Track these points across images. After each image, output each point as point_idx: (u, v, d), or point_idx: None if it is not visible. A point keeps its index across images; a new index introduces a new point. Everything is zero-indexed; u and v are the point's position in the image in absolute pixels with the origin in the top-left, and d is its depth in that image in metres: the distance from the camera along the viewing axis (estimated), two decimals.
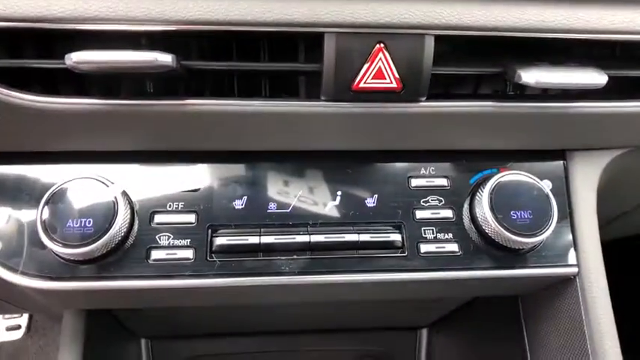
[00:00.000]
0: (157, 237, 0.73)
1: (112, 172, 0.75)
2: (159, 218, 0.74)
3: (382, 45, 0.65)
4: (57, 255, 0.70)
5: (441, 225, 0.77)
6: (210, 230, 0.74)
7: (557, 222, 0.74)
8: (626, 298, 0.94)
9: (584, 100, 0.75)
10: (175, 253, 0.72)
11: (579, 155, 0.83)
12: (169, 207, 0.74)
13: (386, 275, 0.74)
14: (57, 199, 0.69)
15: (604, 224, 0.83)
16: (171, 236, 0.73)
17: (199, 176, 0.77)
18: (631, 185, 0.98)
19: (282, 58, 0.70)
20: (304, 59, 0.71)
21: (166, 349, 1.31)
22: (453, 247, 0.76)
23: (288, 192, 0.77)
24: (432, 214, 0.77)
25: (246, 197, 0.76)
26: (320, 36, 0.64)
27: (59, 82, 0.71)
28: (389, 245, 0.75)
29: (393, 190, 0.78)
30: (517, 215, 0.73)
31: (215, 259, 0.72)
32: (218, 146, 0.76)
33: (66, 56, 0.62)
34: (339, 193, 0.78)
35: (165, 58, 0.63)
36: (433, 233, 0.76)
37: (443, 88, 0.78)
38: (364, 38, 0.64)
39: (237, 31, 0.63)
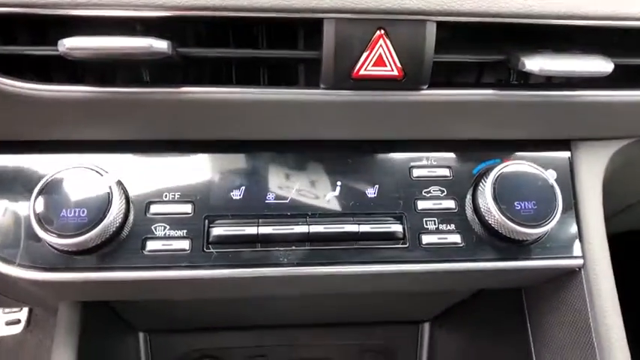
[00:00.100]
0: (152, 227, 0.72)
1: (108, 162, 0.74)
2: (155, 208, 0.73)
3: (383, 31, 0.64)
4: (51, 246, 0.69)
5: (443, 216, 0.76)
6: (207, 221, 0.73)
7: (562, 213, 0.73)
8: (632, 291, 0.93)
9: (590, 88, 0.74)
10: (171, 244, 0.71)
11: (584, 145, 0.82)
12: (165, 197, 0.74)
13: (386, 267, 0.73)
14: (50, 189, 0.68)
15: (609, 217, 0.82)
16: (167, 227, 0.72)
17: (196, 166, 0.76)
18: (636, 177, 0.97)
19: (281, 46, 0.69)
20: (303, 46, 0.70)
21: (165, 343, 1.30)
22: (456, 238, 0.75)
23: (286, 182, 0.77)
24: (434, 204, 0.76)
25: (244, 187, 0.76)
26: (319, 22, 0.63)
27: (53, 70, 0.70)
28: (390, 236, 0.74)
29: (394, 181, 0.77)
30: (521, 206, 0.72)
31: (212, 250, 0.72)
32: (215, 135, 0.75)
33: (59, 42, 0.61)
34: (338, 183, 0.77)
35: (161, 45, 0.62)
36: (435, 224, 0.75)
37: (445, 77, 0.77)
38: (364, 24, 0.63)
39: (233, 17, 0.62)
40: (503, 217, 0.71)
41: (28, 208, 0.68)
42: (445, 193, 0.77)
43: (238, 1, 0.61)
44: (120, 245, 0.71)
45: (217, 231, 0.72)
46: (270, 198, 0.76)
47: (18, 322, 1.97)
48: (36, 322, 1.95)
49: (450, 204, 0.76)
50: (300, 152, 0.78)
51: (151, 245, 0.71)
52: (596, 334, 0.75)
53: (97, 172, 0.70)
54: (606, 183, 0.82)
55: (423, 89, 0.70)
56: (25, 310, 1.98)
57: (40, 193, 0.68)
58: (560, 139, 0.82)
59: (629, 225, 1.31)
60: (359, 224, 0.73)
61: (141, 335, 1.31)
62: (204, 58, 0.68)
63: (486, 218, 0.73)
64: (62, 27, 0.63)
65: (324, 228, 0.73)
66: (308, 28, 0.67)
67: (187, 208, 0.73)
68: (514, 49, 0.69)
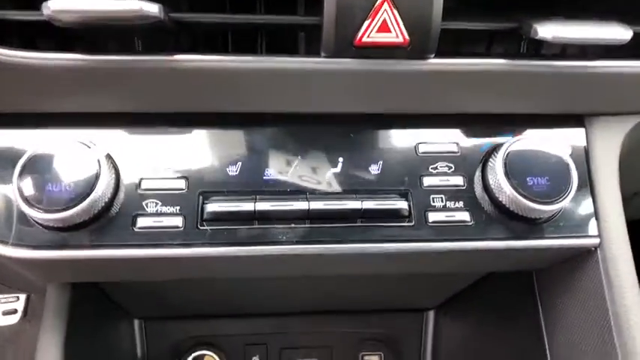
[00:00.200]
0: (144, 204, 0.69)
1: (98, 137, 0.71)
2: (146, 184, 0.70)
3: None
4: (38, 223, 0.67)
5: (451, 193, 0.72)
6: (201, 197, 0.70)
7: (577, 190, 0.70)
8: None
9: (606, 59, 0.70)
10: (163, 221, 0.68)
11: (599, 121, 0.79)
12: (158, 172, 0.71)
13: (391, 245, 0.70)
14: (36, 162, 0.65)
15: (627, 197, 0.79)
16: (159, 203, 0.69)
17: (190, 141, 0.73)
18: None
19: (280, 11, 0.66)
20: (303, 12, 0.67)
21: (161, 330, 1.28)
22: (464, 216, 0.71)
23: (285, 158, 0.73)
24: (441, 181, 0.73)
25: (240, 163, 0.72)
26: None
27: (40, 38, 0.67)
28: (394, 214, 0.70)
29: (399, 157, 0.74)
30: (534, 182, 0.69)
31: (206, 228, 0.68)
32: (210, 108, 0.72)
33: (43, 4, 0.58)
34: (340, 159, 0.74)
35: (152, 8, 0.59)
36: (442, 201, 0.72)
37: (453, 47, 0.73)
38: None
39: None
40: (516, 194, 0.68)
41: (13, 183, 0.65)
42: (453, 169, 0.74)
43: None
44: (109, 222, 0.68)
45: (212, 207, 0.69)
46: (269, 174, 0.72)
47: (15, 312, 1.95)
48: (33, 312, 1.93)
49: (458, 180, 0.73)
50: (299, 127, 0.75)
51: (143, 222, 0.68)
52: (613, 316, 0.72)
53: (85, 145, 0.67)
54: (623, 161, 0.79)
55: (429, 58, 0.67)
56: (22, 299, 1.96)
57: (24, 167, 0.65)
58: (574, 114, 0.78)
59: None
60: (362, 201, 0.70)
61: (136, 322, 1.28)
62: (198, 23, 0.65)
63: (497, 195, 0.70)
64: None
65: (325, 205, 0.70)
66: None
67: (181, 183, 0.70)
68: (526, 16, 0.66)
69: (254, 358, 1.31)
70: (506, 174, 0.69)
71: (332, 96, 0.72)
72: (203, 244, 0.68)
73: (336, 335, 1.32)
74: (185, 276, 0.79)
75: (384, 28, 0.63)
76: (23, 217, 0.67)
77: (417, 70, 0.68)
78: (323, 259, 0.71)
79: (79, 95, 0.69)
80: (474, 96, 0.73)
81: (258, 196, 0.70)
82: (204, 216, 0.69)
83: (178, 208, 0.69)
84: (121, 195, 0.69)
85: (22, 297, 1.99)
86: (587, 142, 0.78)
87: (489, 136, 0.76)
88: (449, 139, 0.76)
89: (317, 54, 0.66)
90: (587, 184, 0.75)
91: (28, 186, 0.64)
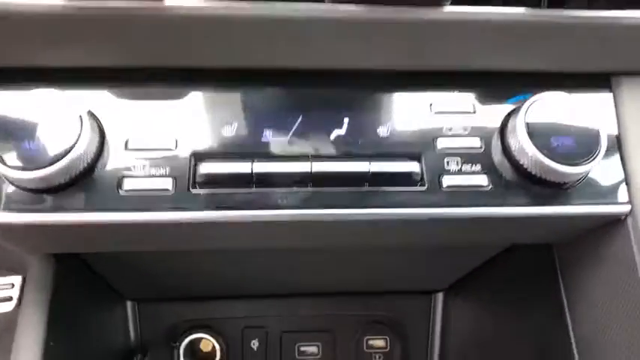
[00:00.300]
0: (130, 165, 0.63)
1: (80, 94, 0.66)
2: (133, 144, 0.64)
3: None
4: (13, 184, 0.61)
5: (467, 156, 0.67)
6: (193, 159, 0.64)
7: (605, 153, 0.64)
8: None
9: (637, 8, 0.65)
10: (152, 184, 0.63)
11: (629, 80, 0.73)
12: (145, 132, 0.65)
13: (402, 211, 0.64)
14: (11, 118, 0.60)
15: None
16: (148, 164, 0.64)
17: (182, 98, 0.67)
18: None
19: None
20: None
21: (155, 313, 1.23)
22: (482, 180, 0.66)
23: (285, 118, 0.68)
24: (457, 143, 0.67)
25: (236, 123, 0.67)
26: None
27: None
28: (405, 177, 0.65)
29: (410, 117, 0.68)
30: (558, 142, 0.63)
31: (199, 191, 0.63)
32: (202, 62, 0.67)
33: None
34: (346, 120, 0.68)
35: None
36: (458, 165, 0.66)
37: None
38: None
39: None
40: (539, 155, 0.62)
41: None
42: (469, 130, 0.68)
43: None
44: (93, 184, 0.63)
45: (205, 168, 0.63)
46: (267, 136, 0.67)
47: (10, 299, 1.92)
48: None
49: (475, 142, 0.67)
50: (301, 84, 0.69)
51: (129, 184, 0.63)
52: None
53: (66, 101, 0.62)
54: None
55: (444, 5, 0.62)
56: (17, 287, 1.92)
57: None
58: (601, 73, 0.73)
59: None
60: (370, 162, 0.64)
61: (129, 304, 1.23)
62: None
63: (518, 158, 0.65)
64: None
65: (329, 167, 0.64)
66: None
67: (171, 144, 0.65)
68: None
69: (253, 341, 1.26)
70: (529, 134, 0.64)
71: (337, 48, 0.66)
72: (195, 209, 0.62)
73: (339, 318, 1.27)
74: (177, 246, 0.73)
75: None
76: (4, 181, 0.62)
77: (430, 19, 0.62)
78: (326, 226, 0.66)
79: (57, 46, 0.63)
80: (491, 50, 0.68)
81: (255, 158, 0.64)
82: (197, 178, 0.63)
83: (168, 169, 0.64)
84: (106, 156, 0.64)
85: (17, 284, 1.96)
86: (615, 103, 0.72)
87: (509, 96, 0.71)
88: (465, 99, 0.70)
89: (321, 0, 0.61)
90: (616, 146, 0.70)
91: (2, 144, 0.59)
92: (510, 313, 0.96)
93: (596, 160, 0.63)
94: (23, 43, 0.63)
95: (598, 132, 0.64)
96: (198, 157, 0.65)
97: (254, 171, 0.63)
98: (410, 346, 1.28)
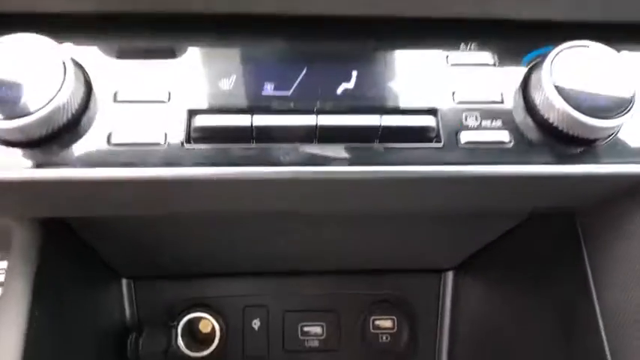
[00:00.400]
0: (120, 117, 0.59)
1: (65, 44, 0.61)
2: (123, 95, 0.60)
3: None
4: None
5: (487, 110, 0.62)
6: (187, 112, 0.60)
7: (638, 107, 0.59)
8: None
9: None
10: (143, 137, 0.58)
11: None
12: (136, 84, 0.61)
13: (416, 169, 0.59)
14: None
15: None
16: (139, 117, 0.59)
17: (176, 48, 0.62)
18: None
19: None
20: None
21: (151, 291, 1.19)
22: (503, 135, 0.61)
23: (288, 70, 0.63)
24: (476, 96, 0.62)
25: (234, 76, 0.62)
26: None
27: None
28: (419, 133, 0.60)
29: (425, 69, 0.63)
30: (587, 95, 0.58)
31: (193, 146, 0.58)
32: (199, 7, 0.62)
33: None
34: (354, 73, 0.63)
35: None
36: (477, 120, 0.61)
37: None
38: None
39: None
40: (567, 108, 0.57)
41: None
42: (489, 83, 0.63)
43: None
44: (80, 137, 0.58)
45: (200, 121, 0.58)
46: (268, 89, 0.62)
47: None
48: None
49: (496, 96, 0.62)
50: (305, 34, 0.64)
51: (118, 138, 0.58)
52: None
53: (49, 45, 0.57)
54: None
55: None
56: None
57: None
58: (631, 23, 0.67)
59: None
60: (381, 115, 0.59)
61: (124, 282, 1.19)
62: None
63: (543, 112, 0.60)
64: None
65: (336, 121, 0.59)
66: None
67: (164, 96, 0.60)
68: None
69: (254, 321, 1.22)
70: (556, 86, 0.59)
71: None
72: (190, 164, 0.58)
73: (344, 297, 1.23)
74: (170, 209, 0.69)
75: None
76: None
77: None
78: (332, 186, 0.61)
79: None
80: None
81: (255, 112, 0.59)
82: (192, 132, 0.58)
83: (161, 123, 0.59)
84: (93, 108, 0.59)
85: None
86: None
87: (531, 49, 0.66)
88: (484, 51, 0.65)
89: None
90: None
91: None
92: (527, 288, 0.91)
93: (628, 113, 0.58)
94: None
95: (630, 83, 0.59)
96: (193, 110, 0.60)
97: (254, 124, 0.58)
98: (418, 327, 1.23)
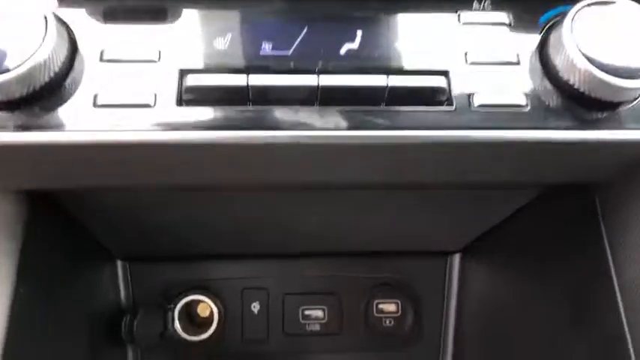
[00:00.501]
0: (107, 77, 0.55)
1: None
2: (110, 54, 0.56)
3: None
4: None
5: (502, 72, 0.58)
6: (179, 72, 0.56)
7: None
8: None
9: None
10: (131, 98, 0.54)
11: None
12: (124, 43, 0.57)
13: (425, 134, 0.55)
14: None
15: None
16: (127, 77, 0.55)
17: (167, 3, 0.59)
18: None
19: None
20: None
21: (147, 273, 1.15)
22: (519, 98, 0.56)
23: (288, 30, 0.59)
24: (490, 57, 0.58)
25: (230, 35, 0.58)
26: None
27: None
28: (430, 94, 0.56)
29: (435, 29, 0.59)
30: (610, 54, 0.54)
31: (186, 108, 0.54)
32: None
33: None
34: (359, 32, 0.59)
35: None
36: (491, 81, 0.57)
37: None
38: None
39: None
40: (591, 68, 0.53)
41: None
42: (504, 43, 0.59)
43: None
44: (63, 99, 0.54)
45: (192, 81, 0.54)
46: (266, 49, 0.58)
47: None
48: None
49: (511, 57, 0.58)
50: None
51: (104, 99, 0.54)
52: None
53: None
54: None
55: None
56: None
57: None
58: None
59: None
60: (387, 75, 0.55)
61: (119, 264, 1.16)
62: None
63: (563, 74, 0.55)
64: None
65: (339, 81, 0.55)
66: None
67: (154, 55, 0.56)
68: None
69: (253, 304, 1.18)
70: (578, 45, 0.54)
71: None
72: (181, 128, 0.54)
73: (346, 280, 1.19)
74: (158, 178, 0.64)
75: None
76: None
77: None
78: (333, 152, 0.57)
79: None
80: None
81: (252, 71, 0.55)
82: (183, 94, 0.55)
83: (150, 84, 0.55)
84: (78, 68, 0.55)
85: None
86: None
87: (549, 6, 0.61)
88: (499, 8, 0.61)
89: None
90: None
91: None
92: (537, 269, 0.87)
93: None
94: None
95: None
96: (186, 70, 0.56)
97: (250, 84, 0.54)
98: (423, 311, 1.19)
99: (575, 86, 0.55)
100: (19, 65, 0.50)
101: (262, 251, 1.16)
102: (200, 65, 0.56)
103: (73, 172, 0.62)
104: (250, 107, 0.55)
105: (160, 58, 0.56)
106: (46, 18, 0.52)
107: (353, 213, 0.93)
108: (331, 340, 1.19)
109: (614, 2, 0.57)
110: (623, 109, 0.57)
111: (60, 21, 0.55)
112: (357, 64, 0.57)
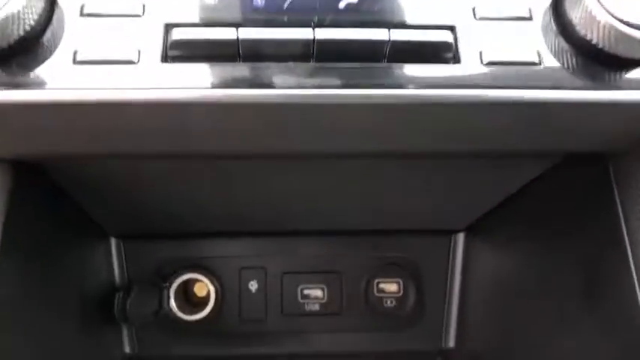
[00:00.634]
0: (87, 33, 0.51)
1: None
2: (91, 8, 0.52)
3: None
4: None
5: (513, 28, 0.54)
6: (164, 26, 0.52)
7: None
8: None
9: None
10: (113, 54, 0.51)
11: None
12: None
13: (430, 92, 0.52)
14: None
15: None
16: (109, 32, 0.51)
17: None
18: None
19: None
20: None
21: (142, 251, 1.12)
22: (531, 55, 0.53)
23: None
24: (500, 12, 0.54)
25: None
26: None
27: None
28: (435, 50, 0.52)
29: None
30: (632, 6, 0.50)
31: (171, 64, 0.51)
32: None
33: None
34: None
35: None
36: (502, 37, 0.53)
37: None
38: None
39: None
40: (613, 21, 0.49)
41: None
42: None
43: None
44: (41, 55, 0.51)
45: (178, 34, 0.51)
46: (259, 2, 0.54)
47: None
48: None
49: (523, 11, 0.54)
50: None
51: (84, 56, 0.50)
52: None
53: None
54: None
55: None
56: None
57: None
58: None
59: None
60: (389, 29, 0.51)
61: (113, 241, 1.13)
62: None
63: (580, 28, 0.52)
64: None
65: (337, 34, 0.51)
66: None
67: (137, 9, 0.52)
68: None
69: (251, 282, 1.15)
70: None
71: None
72: (166, 86, 0.50)
73: (346, 258, 1.15)
74: (146, 143, 0.60)
75: None
76: None
77: None
78: (331, 113, 0.54)
79: None
80: None
81: (243, 24, 0.51)
82: (169, 48, 0.51)
83: (133, 38, 0.51)
84: (57, 21, 0.52)
85: None
86: None
87: None
88: None
89: None
90: None
91: None
92: (546, 246, 0.83)
93: None
94: None
95: None
96: (171, 24, 0.52)
97: (240, 38, 0.50)
98: (425, 291, 1.16)
99: (594, 42, 0.51)
100: None
101: (260, 229, 1.12)
102: (187, 19, 0.53)
103: (54, 137, 0.59)
104: (240, 63, 0.51)
105: (144, 11, 0.53)
106: None
107: (353, 188, 0.90)
108: (331, 320, 1.16)
109: None
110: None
111: None
112: (356, 17, 0.53)
